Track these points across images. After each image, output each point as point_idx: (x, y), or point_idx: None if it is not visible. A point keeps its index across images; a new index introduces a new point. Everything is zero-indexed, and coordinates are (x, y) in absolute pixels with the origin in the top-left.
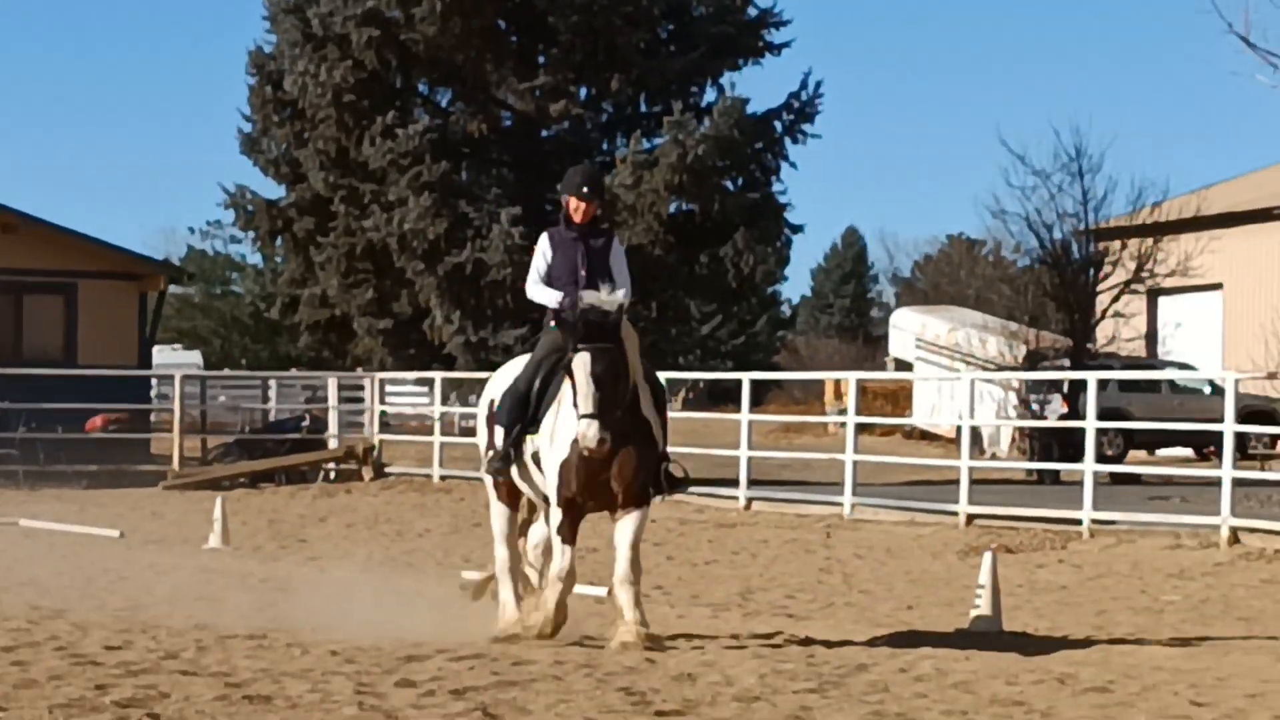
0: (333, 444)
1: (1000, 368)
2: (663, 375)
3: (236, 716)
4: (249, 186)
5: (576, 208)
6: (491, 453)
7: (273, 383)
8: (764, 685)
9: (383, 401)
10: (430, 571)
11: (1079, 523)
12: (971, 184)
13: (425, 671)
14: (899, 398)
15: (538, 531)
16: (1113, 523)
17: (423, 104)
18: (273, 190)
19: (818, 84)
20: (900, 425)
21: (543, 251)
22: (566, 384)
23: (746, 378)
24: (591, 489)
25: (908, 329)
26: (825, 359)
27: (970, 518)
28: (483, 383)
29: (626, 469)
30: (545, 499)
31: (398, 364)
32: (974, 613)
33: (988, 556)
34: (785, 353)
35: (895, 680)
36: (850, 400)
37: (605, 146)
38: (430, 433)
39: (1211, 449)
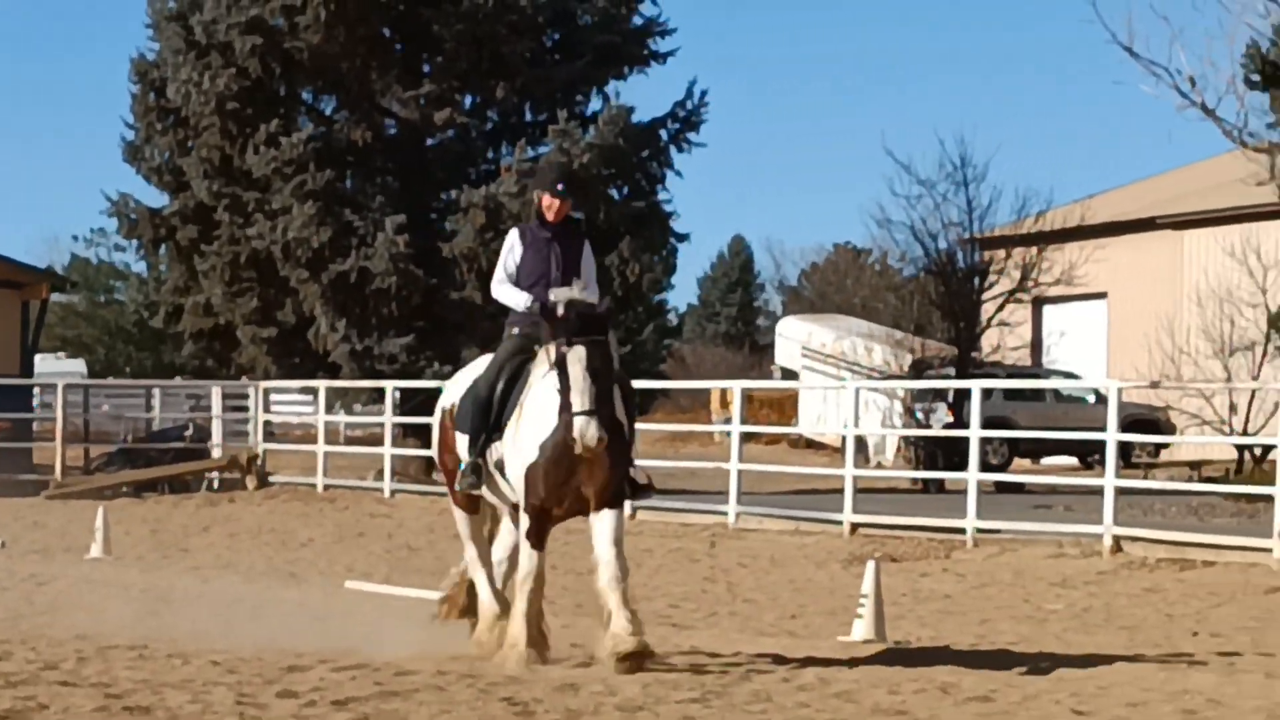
0: (216, 453)
1: (886, 376)
2: None
3: None
4: (132, 195)
5: (550, 205)
6: (462, 467)
7: (156, 391)
8: (647, 695)
9: (267, 410)
10: (314, 581)
11: (963, 531)
12: (857, 193)
13: (307, 682)
14: (785, 406)
15: (501, 547)
16: (996, 531)
17: (307, 112)
18: (156, 198)
19: (703, 93)
20: (786, 434)
21: (511, 248)
22: (531, 387)
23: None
24: (560, 494)
25: (794, 337)
26: (711, 367)
27: (855, 526)
28: (368, 391)
29: (599, 473)
30: (514, 506)
31: (282, 373)
32: (857, 625)
33: (871, 565)
34: (672, 361)
35: (778, 689)
36: (736, 409)
37: (490, 155)
38: (315, 441)
39: (1095, 457)
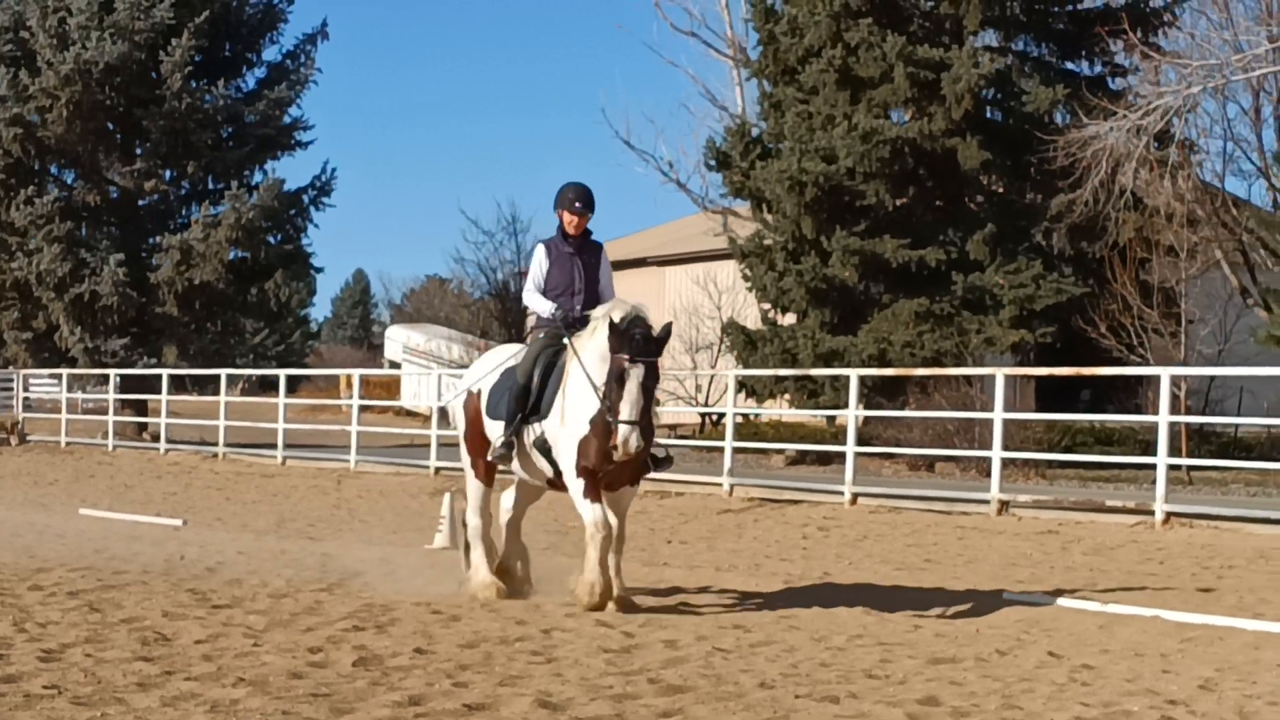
0: None
1: (461, 366)
2: (225, 372)
3: None
4: None
5: (570, 221)
6: (499, 442)
7: None
8: (289, 585)
9: (26, 390)
10: (58, 509)
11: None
12: (442, 239)
13: (50, 579)
14: (392, 386)
15: (507, 499)
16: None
17: (54, 181)
18: None
19: (333, 169)
20: (392, 406)
21: (539, 262)
22: (570, 371)
23: (284, 373)
24: (606, 460)
25: (398, 339)
26: (341, 360)
27: (438, 469)
28: (97, 376)
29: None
30: (549, 479)
31: (37, 364)
32: (437, 537)
33: (447, 497)
34: (313, 356)
35: (379, 580)
36: (355, 389)
37: (184, 212)
38: (60, 412)
39: None
